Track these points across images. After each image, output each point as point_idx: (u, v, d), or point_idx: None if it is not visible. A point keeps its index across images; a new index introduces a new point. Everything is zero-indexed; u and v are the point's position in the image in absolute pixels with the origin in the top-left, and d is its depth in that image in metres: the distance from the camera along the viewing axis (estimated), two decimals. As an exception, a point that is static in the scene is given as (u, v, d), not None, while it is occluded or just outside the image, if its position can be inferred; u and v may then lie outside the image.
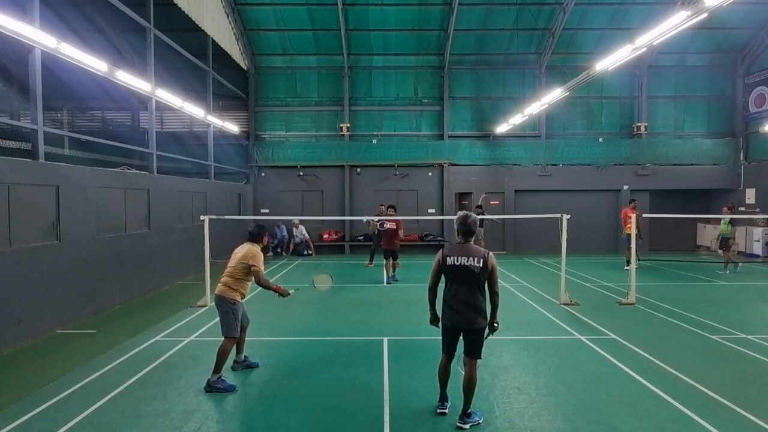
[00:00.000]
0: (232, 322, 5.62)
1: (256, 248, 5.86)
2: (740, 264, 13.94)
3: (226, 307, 5.64)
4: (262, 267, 5.75)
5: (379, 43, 18.42)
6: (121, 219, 9.99)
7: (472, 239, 4.74)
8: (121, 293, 9.77)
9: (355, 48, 18.47)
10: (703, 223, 19.06)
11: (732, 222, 13.60)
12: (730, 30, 17.65)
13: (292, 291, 5.92)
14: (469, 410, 4.65)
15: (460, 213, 4.80)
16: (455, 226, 4.79)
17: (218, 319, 5.74)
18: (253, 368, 6.10)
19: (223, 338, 5.61)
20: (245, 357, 6.19)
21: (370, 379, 5.75)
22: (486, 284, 4.63)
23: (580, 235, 16.34)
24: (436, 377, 4.92)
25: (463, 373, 4.67)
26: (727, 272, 13.57)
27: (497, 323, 4.70)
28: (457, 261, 4.60)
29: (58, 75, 10.27)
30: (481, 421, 4.65)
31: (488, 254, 4.64)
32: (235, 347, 5.86)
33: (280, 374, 5.92)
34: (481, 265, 4.56)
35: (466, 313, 4.58)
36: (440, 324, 4.81)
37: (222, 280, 5.78)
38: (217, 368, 5.45)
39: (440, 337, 4.84)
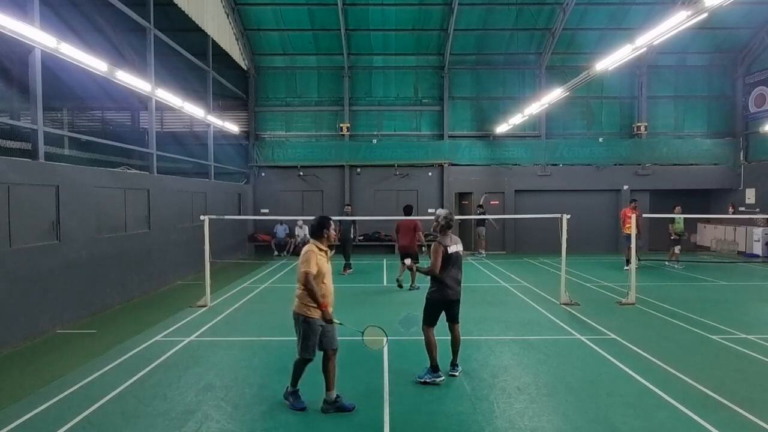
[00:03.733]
0: (307, 341, 4.85)
1: (311, 246, 4.87)
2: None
3: (301, 325, 4.86)
4: (311, 267, 4.71)
5: (379, 43, 18.42)
6: (121, 219, 9.99)
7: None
8: (121, 293, 9.77)
9: (355, 48, 18.47)
10: (703, 223, 19.07)
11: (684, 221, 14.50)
12: (730, 30, 17.64)
13: (337, 322, 4.96)
14: (457, 361, 5.86)
15: (446, 211, 5.81)
16: (442, 222, 5.69)
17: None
18: (348, 411, 4.90)
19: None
20: (337, 396, 4.95)
21: (370, 379, 5.75)
22: None
23: (580, 235, 16.34)
24: (425, 351, 5.66)
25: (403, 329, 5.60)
26: (678, 267, 14.36)
27: None
28: (454, 249, 5.64)
29: (58, 75, 10.28)
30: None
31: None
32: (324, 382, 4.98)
33: (281, 374, 5.91)
34: (462, 248, 5.82)
35: (457, 288, 5.73)
36: (433, 302, 5.67)
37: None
38: (292, 381, 5.05)
39: (438, 337, 5.70)
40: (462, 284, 5.80)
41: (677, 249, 14.50)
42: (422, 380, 5.57)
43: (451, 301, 5.68)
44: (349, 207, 15.49)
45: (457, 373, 5.79)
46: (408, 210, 11.85)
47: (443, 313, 5.75)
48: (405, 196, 18.59)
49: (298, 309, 4.86)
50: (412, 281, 11.07)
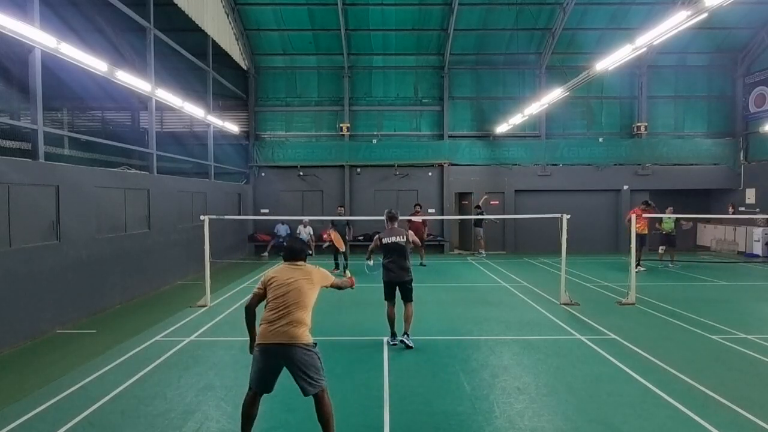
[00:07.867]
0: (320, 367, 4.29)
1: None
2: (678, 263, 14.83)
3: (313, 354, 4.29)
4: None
5: (379, 43, 18.42)
6: (121, 219, 9.99)
7: (396, 223, 7.11)
8: (121, 293, 9.77)
9: (355, 48, 18.47)
10: (703, 223, 19.06)
11: (676, 220, 14.56)
12: (730, 30, 17.65)
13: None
14: (409, 331, 6.95)
15: (386, 210, 7.26)
16: (384, 217, 7.20)
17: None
18: None
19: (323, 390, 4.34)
20: None
21: (370, 379, 5.75)
22: (409, 250, 7.08)
23: (580, 235, 16.32)
24: (386, 323, 7.09)
25: (368, 273, 7.20)
26: (672, 267, 14.43)
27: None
28: (389, 240, 6.95)
29: (58, 75, 10.28)
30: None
31: (408, 232, 7.10)
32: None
33: (280, 374, 5.90)
34: (404, 240, 6.96)
35: (398, 272, 6.93)
36: (384, 282, 7.03)
37: (291, 318, 4.17)
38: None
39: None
40: (407, 270, 6.96)
41: (661, 249, 14.80)
42: (386, 340, 7.08)
43: (396, 283, 6.94)
44: (342, 208, 15.63)
45: (408, 341, 6.85)
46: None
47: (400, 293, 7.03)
48: (405, 196, 18.59)
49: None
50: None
